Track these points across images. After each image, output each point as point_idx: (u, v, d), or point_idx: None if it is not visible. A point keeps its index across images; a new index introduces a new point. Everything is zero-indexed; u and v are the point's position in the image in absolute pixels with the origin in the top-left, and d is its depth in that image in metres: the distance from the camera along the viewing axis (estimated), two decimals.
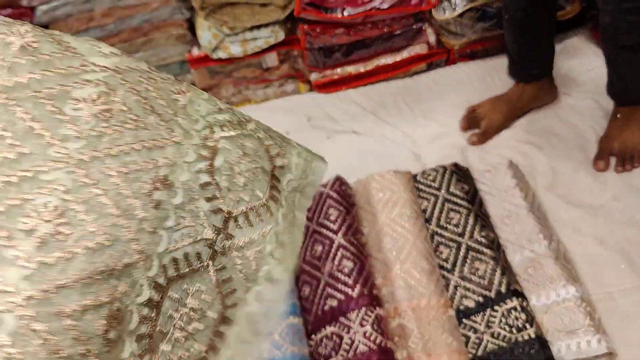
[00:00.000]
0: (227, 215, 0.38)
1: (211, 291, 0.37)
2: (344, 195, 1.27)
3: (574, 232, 1.24)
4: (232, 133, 0.41)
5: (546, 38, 1.44)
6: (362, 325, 1.07)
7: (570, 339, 1.03)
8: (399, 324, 1.10)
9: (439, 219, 1.25)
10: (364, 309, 1.08)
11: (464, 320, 1.11)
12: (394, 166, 1.36)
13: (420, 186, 1.31)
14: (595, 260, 1.19)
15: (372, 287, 1.13)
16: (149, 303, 0.34)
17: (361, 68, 1.68)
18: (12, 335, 0.27)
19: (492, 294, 1.12)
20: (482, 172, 1.34)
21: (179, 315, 0.36)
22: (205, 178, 0.38)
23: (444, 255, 1.19)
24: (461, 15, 1.56)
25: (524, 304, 1.09)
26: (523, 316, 1.07)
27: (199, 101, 0.42)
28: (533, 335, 1.05)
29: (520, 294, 1.11)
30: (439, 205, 1.27)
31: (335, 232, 1.19)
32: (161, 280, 0.35)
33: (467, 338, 1.09)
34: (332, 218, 1.22)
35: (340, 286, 1.12)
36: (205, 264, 0.37)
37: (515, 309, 1.09)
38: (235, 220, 0.39)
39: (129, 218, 0.33)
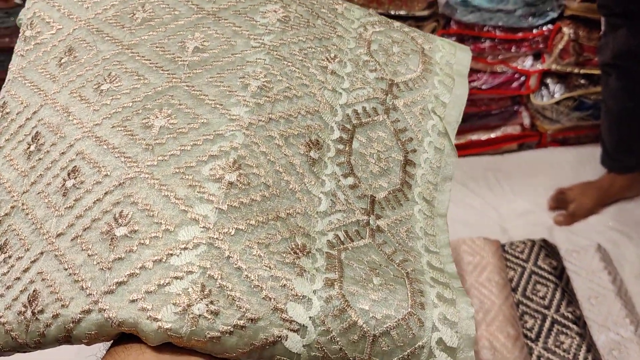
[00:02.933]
0: (390, 82, 0.51)
1: (391, 138, 0.49)
2: None
3: None
4: (382, 29, 0.55)
5: None
6: None
7: None
8: None
9: (525, 289, 1.29)
10: None
11: None
12: (481, 236, 1.42)
13: (508, 256, 1.36)
14: None
15: None
16: (341, 140, 0.46)
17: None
18: (243, 144, 0.41)
19: None
20: (570, 252, 1.38)
21: (369, 153, 0.47)
22: (365, 57, 0.51)
23: (528, 325, 1.23)
24: (558, 102, 1.65)
25: None
26: None
27: (353, 8, 0.56)
28: None
29: None
30: (525, 276, 1.32)
31: None
32: (347, 125, 0.47)
33: None
34: None
35: None
36: (381, 117, 0.49)
37: None
38: (397, 86, 0.51)
39: (312, 80, 0.47)
